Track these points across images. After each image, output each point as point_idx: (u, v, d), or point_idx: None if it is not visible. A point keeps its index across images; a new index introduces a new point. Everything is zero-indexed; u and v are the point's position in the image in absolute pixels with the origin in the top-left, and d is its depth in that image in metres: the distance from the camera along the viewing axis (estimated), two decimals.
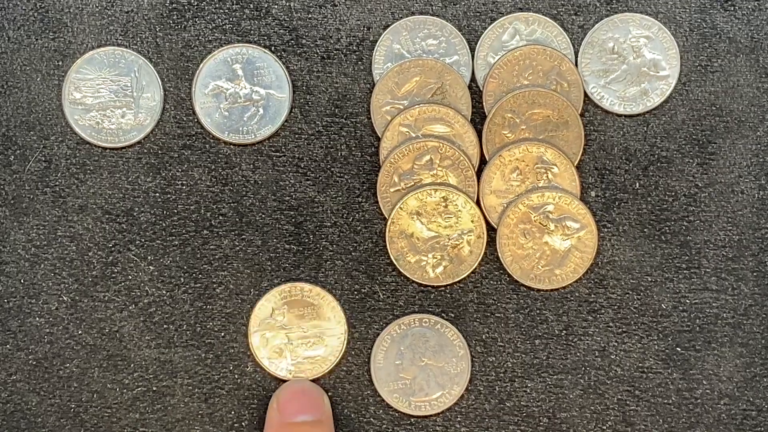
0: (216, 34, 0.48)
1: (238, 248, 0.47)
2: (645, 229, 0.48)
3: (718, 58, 0.48)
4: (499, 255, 0.47)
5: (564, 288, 0.47)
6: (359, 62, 0.48)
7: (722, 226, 0.48)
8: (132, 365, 0.47)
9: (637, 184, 0.48)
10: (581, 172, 0.47)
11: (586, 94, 0.48)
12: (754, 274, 0.47)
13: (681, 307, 0.47)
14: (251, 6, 0.48)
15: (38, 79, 0.47)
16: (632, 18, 0.48)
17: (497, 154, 0.47)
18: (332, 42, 0.48)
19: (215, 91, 0.47)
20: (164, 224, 0.47)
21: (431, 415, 0.47)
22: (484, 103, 0.47)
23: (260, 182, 0.48)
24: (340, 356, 0.47)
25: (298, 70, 0.48)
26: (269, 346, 0.46)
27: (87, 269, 0.47)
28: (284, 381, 0.47)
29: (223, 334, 0.47)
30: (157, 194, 0.47)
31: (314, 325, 0.47)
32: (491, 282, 0.47)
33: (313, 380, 0.47)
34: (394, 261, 0.47)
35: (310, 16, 0.48)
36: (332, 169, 0.48)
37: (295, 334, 0.46)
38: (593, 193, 0.48)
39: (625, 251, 0.47)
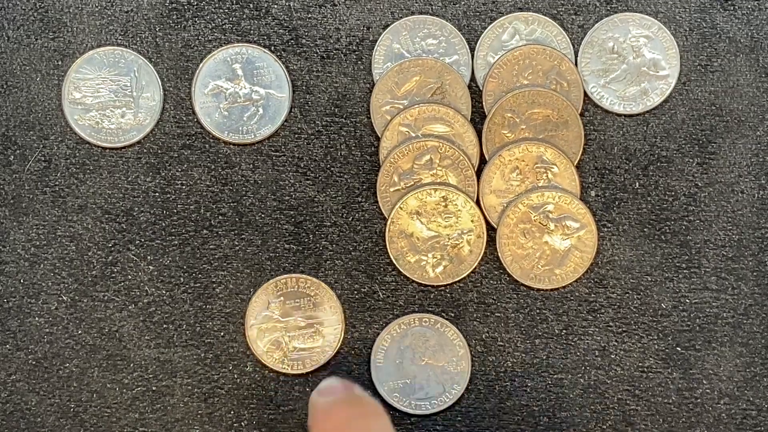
0: (216, 34, 0.48)
1: (237, 248, 0.47)
2: (645, 229, 0.48)
3: (718, 57, 0.48)
4: (499, 255, 0.47)
5: (564, 288, 0.47)
6: (359, 62, 0.48)
7: (722, 226, 0.47)
8: (132, 365, 0.47)
9: (637, 183, 0.48)
10: (581, 171, 0.47)
11: (585, 94, 0.48)
12: (754, 274, 0.47)
13: (681, 307, 0.47)
14: (251, 6, 0.48)
15: (38, 79, 0.47)
16: (632, 18, 0.48)
17: (497, 153, 0.47)
18: (332, 42, 0.48)
19: (215, 90, 0.47)
20: (164, 224, 0.47)
21: (431, 415, 0.47)
22: (483, 103, 0.47)
23: (260, 182, 0.47)
24: (337, 347, 0.47)
25: (298, 70, 0.48)
26: (266, 339, 0.46)
27: (87, 269, 0.47)
28: (282, 374, 0.46)
29: (222, 333, 0.47)
30: (157, 194, 0.47)
31: (310, 315, 0.46)
32: (491, 282, 0.47)
33: (312, 373, 0.47)
34: (393, 261, 0.47)
35: (309, 15, 0.48)
36: (332, 168, 0.48)
37: (291, 325, 0.46)
38: (593, 193, 0.48)
39: (625, 251, 0.47)
